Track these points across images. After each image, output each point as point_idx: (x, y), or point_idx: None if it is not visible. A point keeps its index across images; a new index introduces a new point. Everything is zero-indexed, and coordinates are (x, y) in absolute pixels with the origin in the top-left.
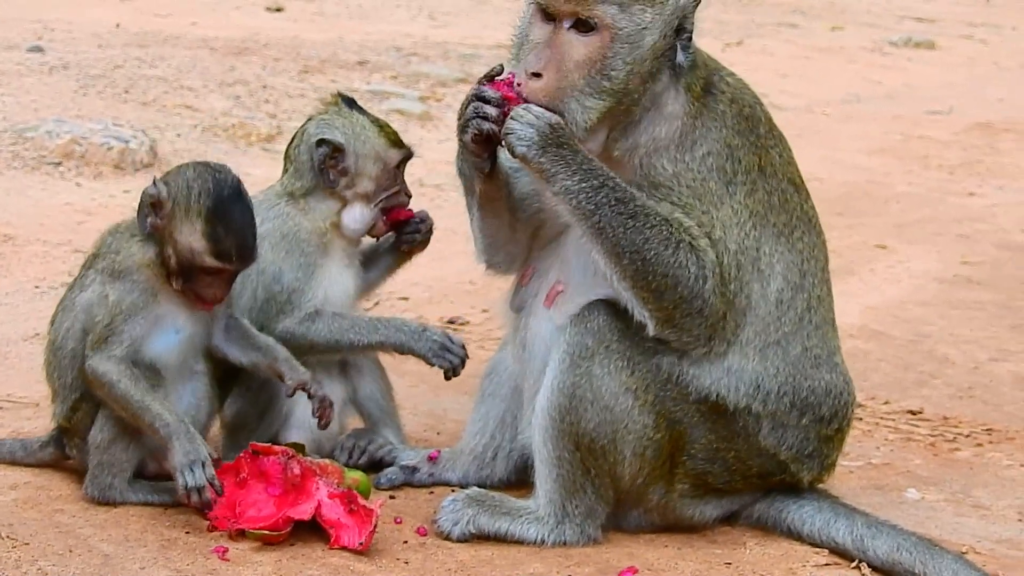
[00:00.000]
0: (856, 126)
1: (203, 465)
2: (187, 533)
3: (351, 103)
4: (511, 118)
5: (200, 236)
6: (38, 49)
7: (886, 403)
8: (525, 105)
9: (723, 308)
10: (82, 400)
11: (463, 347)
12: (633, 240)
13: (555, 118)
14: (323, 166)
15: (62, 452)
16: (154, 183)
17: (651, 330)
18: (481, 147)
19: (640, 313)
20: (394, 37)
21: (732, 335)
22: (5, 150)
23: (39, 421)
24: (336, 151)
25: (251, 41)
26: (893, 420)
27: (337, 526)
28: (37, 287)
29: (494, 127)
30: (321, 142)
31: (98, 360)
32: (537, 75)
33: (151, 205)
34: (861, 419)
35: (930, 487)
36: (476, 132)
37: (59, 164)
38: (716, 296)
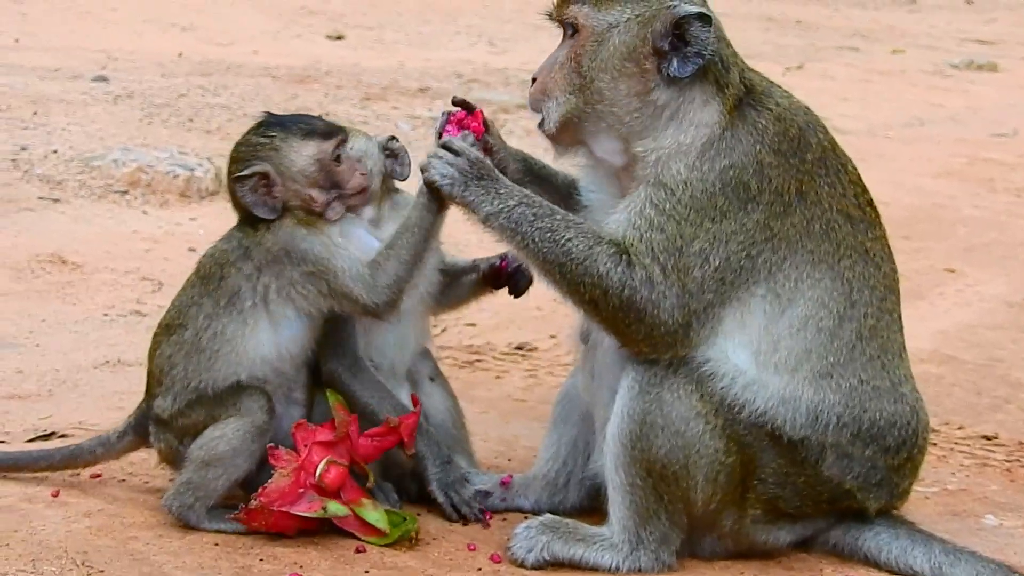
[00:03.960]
0: (920, 149)
1: None
2: (261, 560)
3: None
4: (431, 156)
5: (303, 142)
6: (102, 79)
7: (960, 428)
8: (445, 141)
9: (680, 316)
10: (198, 404)
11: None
12: (555, 253)
13: (475, 154)
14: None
15: (142, 439)
16: (247, 171)
17: (610, 342)
18: None
19: (596, 328)
20: (454, 64)
21: (721, 345)
22: (72, 179)
23: None
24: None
25: (312, 69)
26: (968, 445)
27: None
28: (106, 315)
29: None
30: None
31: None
32: (534, 80)
33: (264, 185)
34: (936, 444)
35: (1008, 513)
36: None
37: (126, 192)
38: (658, 304)
